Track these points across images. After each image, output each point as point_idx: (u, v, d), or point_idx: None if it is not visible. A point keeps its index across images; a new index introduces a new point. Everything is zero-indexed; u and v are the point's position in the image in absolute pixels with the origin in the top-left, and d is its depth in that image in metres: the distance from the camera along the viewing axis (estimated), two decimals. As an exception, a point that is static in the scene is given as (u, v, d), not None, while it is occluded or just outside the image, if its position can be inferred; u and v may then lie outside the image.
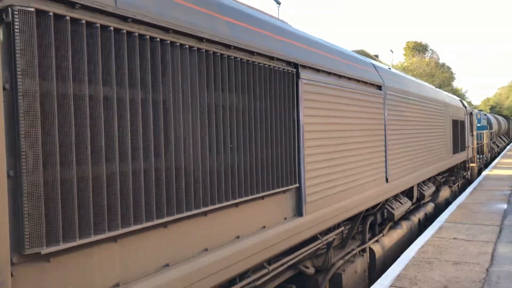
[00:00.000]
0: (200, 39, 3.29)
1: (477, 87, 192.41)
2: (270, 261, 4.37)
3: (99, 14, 2.53)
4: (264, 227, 4.11)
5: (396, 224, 8.78)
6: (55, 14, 2.27)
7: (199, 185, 3.22)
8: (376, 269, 7.33)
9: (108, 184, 2.53)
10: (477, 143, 22.47)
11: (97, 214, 2.47)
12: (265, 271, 4.20)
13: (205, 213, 3.36)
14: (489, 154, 30.10)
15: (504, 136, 48.85)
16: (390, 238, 8.26)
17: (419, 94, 9.72)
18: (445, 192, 13.65)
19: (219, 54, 3.46)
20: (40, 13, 2.21)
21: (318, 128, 5.00)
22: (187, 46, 3.14)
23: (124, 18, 2.67)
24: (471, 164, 19.30)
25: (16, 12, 2.09)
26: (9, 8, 2.08)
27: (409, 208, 9.16)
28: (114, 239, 2.61)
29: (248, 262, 3.77)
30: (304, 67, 4.79)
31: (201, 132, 3.26)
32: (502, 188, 14.92)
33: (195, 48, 3.22)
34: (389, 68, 9.03)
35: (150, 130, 2.80)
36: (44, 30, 2.23)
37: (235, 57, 3.65)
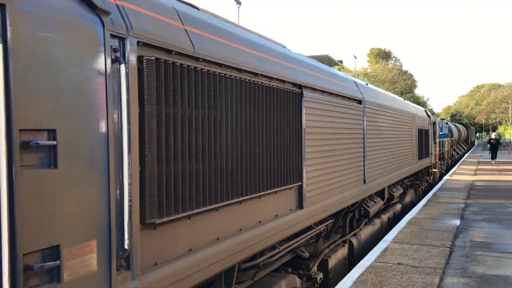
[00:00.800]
0: (239, 70, 4.35)
1: (439, 95, 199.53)
2: (278, 244, 5.44)
3: (184, 57, 3.56)
4: (276, 215, 5.18)
5: (370, 220, 10.01)
6: (161, 59, 3.29)
7: (237, 181, 4.27)
8: (354, 257, 8.51)
9: (190, 176, 3.57)
10: (439, 150, 24.19)
11: (183, 199, 3.49)
12: (276, 250, 5.28)
13: (240, 202, 4.40)
14: (450, 160, 32.09)
15: (463, 143, 51.47)
16: (365, 232, 9.47)
17: (391, 106, 11.01)
18: (410, 195, 15.06)
19: (251, 80, 4.52)
20: (155, 60, 3.23)
21: (315, 137, 6.11)
22: (232, 76, 4.19)
23: (197, 59, 3.70)
24: (434, 170, 20.92)
25: (145, 61, 3.11)
26: (143, 58, 3.09)
27: (381, 207, 10.42)
28: (188, 217, 3.63)
29: (268, 241, 4.84)
30: (306, 87, 5.90)
31: (241, 140, 4.32)
32: (457, 200, 14.55)
33: (237, 77, 4.27)
34: (367, 84, 10.26)
35: (212, 138, 3.85)
36: (157, 70, 3.25)
37: (260, 83, 4.72)
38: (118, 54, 2.87)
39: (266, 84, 4.83)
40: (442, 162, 26.44)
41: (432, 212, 12.41)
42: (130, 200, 2.89)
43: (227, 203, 4.10)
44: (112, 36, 2.84)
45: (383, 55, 64.75)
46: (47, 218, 2.38)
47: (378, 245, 8.86)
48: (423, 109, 18.49)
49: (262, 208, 4.86)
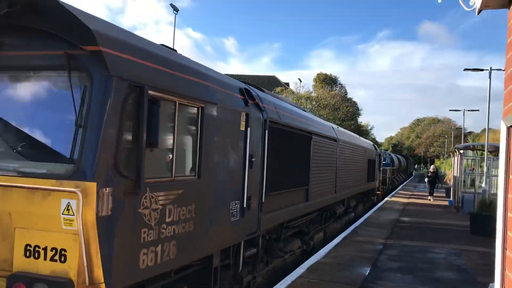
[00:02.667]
0: (329, 138, 8.87)
1: (382, 126, 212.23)
2: (295, 219, 9.88)
3: (285, 127, 8.04)
4: (297, 202, 9.65)
5: (336, 219, 14.66)
6: (277, 128, 7.74)
7: (288, 181, 8.73)
8: (327, 239, 13.07)
9: (279, 177, 8.01)
10: (382, 177, 29.52)
11: (277, 186, 7.90)
12: (306, 218, 9.78)
13: (288, 192, 8.86)
14: (390, 186, 37.71)
15: (403, 173, 57.94)
16: (333, 226, 14.11)
17: (352, 142, 15.83)
18: (360, 207, 19.95)
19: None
20: (274, 128, 7.67)
21: (315, 161, 10.67)
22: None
23: (285, 126, 8.18)
24: (378, 192, 26.09)
25: (271, 129, 7.55)
26: (270, 128, 7.54)
27: (342, 211, 15.11)
28: (279, 194, 8.05)
29: (294, 214, 9.32)
30: (313, 133, 10.47)
31: (293, 165, 8.86)
32: (376, 239, 13.09)
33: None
34: (337, 127, 15.05)
35: (284, 165, 8.33)
36: (274, 133, 7.68)
37: (300, 133, 9.25)
38: (264, 125, 7.32)
39: (302, 134, 9.38)
40: (384, 187, 31.82)
41: (343, 254, 10.76)
42: (264, 185, 7.32)
43: (286, 191, 8.56)
44: (254, 117, 7.29)
45: (329, 81, 64.34)
46: (252, 185, 6.78)
47: None
48: (372, 143, 23.63)
49: (294, 197, 9.35)
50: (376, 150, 23.61)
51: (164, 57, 4.82)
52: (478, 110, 46.93)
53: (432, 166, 41.42)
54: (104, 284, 3.84)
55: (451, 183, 29.09)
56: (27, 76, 4.23)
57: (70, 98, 3.93)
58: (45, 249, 3.87)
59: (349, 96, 65.09)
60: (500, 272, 3.00)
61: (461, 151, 23.14)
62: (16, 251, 3.94)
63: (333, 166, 12.74)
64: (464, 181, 22.72)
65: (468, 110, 43.83)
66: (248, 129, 6.63)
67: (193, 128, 5.32)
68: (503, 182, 2.96)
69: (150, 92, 4.31)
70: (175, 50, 5.57)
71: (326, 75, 65.85)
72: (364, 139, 22.11)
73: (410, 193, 33.40)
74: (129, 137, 4.14)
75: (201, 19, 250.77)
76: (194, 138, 5.31)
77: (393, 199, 27.97)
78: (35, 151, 4.18)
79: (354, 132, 33.31)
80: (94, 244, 3.78)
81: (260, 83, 64.30)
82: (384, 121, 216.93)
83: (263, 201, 7.25)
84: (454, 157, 26.90)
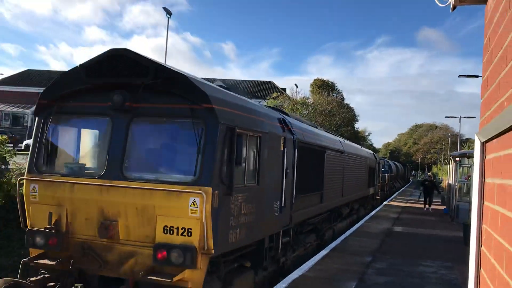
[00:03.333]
0: (338, 151, 11.34)
1: (380, 132, 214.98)
2: (313, 217, 12.31)
3: (307, 144, 10.50)
4: (315, 204, 12.08)
5: (342, 219, 17.11)
6: (303, 146, 10.19)
7: (310, 188, 11.19)
8: (336, 236, 15.51)
9: (303, 185, 10.46)
10: (381, 183, 32.01)
11: (304, 190, 10.35)
12: (320, 217, 12.23)
13: (311, 195, 11.31)
14: (388, 192, 40.20)
15: (400, 179, 60.48)
16: (340, 225, 16.56)
17: (356, 153, 18.32)
18: (362, 210, 22.43)
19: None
20: (302, 146, 10.12)
21: (328, 170, 13.12)
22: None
23: (310, 144, 10.64)
24: (377, 197, 28.58)
25: (300, 148, 10.01)
26: (296, 140, 10.01)
27: (347, 213, 17.57)
28: (305, 196, 10.50)
29: (314, 212, 11.77)
30: (326, 148, 12.92)
31: (308, 174, 11.34)
32: (365, 250, 12.70)
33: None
34: (344, 141, 17.54)
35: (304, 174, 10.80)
36: (302, 150, 10.13)
37: (319, 150, 11.72)
38: (294, 145, 9.78)
39: (318, 149, 11.85)
40: (383, 192, 34.30)
41: (330, 268, 10.33)
42: (294, 189, 9.78)
43: (307, 194, 11.00)
44: (288, 139, 9.76)
45: (327, 87, 63.53)
46: (287, 189, 9.25)
47: None
48: (372, 152, 26.15)
49: (312, 199, 11.80)
50: (376, 158, 26.13)
51: (241, 105, 7.33)
52: (474, 117, 45.22)
53: (429, 173, 41.32)
54: (213, 250, 6.27)
55: (447, 191, 28.07)
56: (162, 120, 6.71)
57: (192, 136, 6.40)
58: (177, 228, 6.30)
59: (346, 102, 64.24)
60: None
61: (457, 159, 22.82)
62: (157, 230, 6.38)
63: (341, 174, 15.21)
64: (460, 189, 21.95)
65: (464, 117, 44.92)
66: (285, 148, 9.09)
67: (254, 150, 7.78)
68: (476, 210, 2.59)
69: (239, 130, 6.79)
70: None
71: (323, 80, 65.52)
72: (366, 149, 24.66)
73: (405, 201, 33.54)
74: (226, 158, 6.60)
75: (200, 23, 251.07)
76: (255, 157, 7.77)
77: (391, 203, 30.45)
78: (169, 167, 6.67)
79: (351, 138, 34.94)
80: (209, 225, 6.21)
81: (257, 89, 66.04)
82: (382, 127, 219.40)
83: (293, 201, 9.69)
84: (449, 164, 26.77)
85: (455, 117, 45.15)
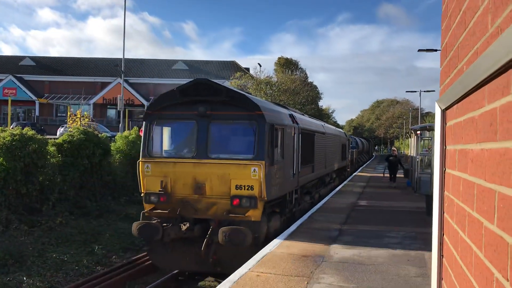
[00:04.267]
0: (322, 133, 15.77)
1: (344, 109, 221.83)
2: (311, 181, 16.81)
3: (307, 130, 14.91)
4: (309, 173, 16.60)
5: (325, 185, 21.76)
6: (305, 132, 14.60)
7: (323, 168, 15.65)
8: (321, 196, 20.12)
9: (306, 159, 14.95)
10: (350, 158, 37.01)
11: (309, 162, 14.80)
12: (311, 183, 16.78)
13: (312, 167, 15.81)
14: (356, 165, 45.43)
15: (365, 154, 66.15)
16: (323, 190, 21.21)
17: (333, 133, 22.96)
18: (338, 180, 27.26)
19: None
20: (303, 132, 14.53)
21: (316, 148, 17.60)
22: (319, 135, 15.60)
23: (313, 131, 15.07)
24: (348, 169, 33.52)
25: (302, 133, 14.41)
26: (299, 129, 14.42)
27: (328, 181, 22.25)
28: (310, 168, 14.97)
29: (308, 179, 16.31)
30: (315, 131, 17.37)
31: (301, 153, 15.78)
32: (332, 225, 12.70)
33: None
34: (324, 124, 22.09)
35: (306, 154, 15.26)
36: (303, 134, 14.55)
37: (311, 133, 16.16)
38: (298, 132, 14.19)
39: (310, 133, 16.31)
40: (352, 166, 39.38)
41: (294, 246, 10.06)
42: (299, 162, 14.22)
43: (305, 166, 15.47)
44: (296, 128, 14.16)
45: (290, 66, 63.47)
46: (296, 162, 13.71)
47: None
48: (343, 131, 30.93)
49: (307, 170, 16.29)
50: (346, 136, 30.98)
51: (275, 110, 11.77)
52: (434, 91, 46.36)
53: (394, 147, 42.31)
54: (266, 197, 10.63)
55: (409, 164, 27.81)
56: (231, 122, 10.98)
57: (250, 131, 10.71)
58: (244, 186, 10.61)
59: (309, 80, 63.60)
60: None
61: (418, 132, 22.67)
62: (232, 188, 10.67)
63: (324, 150, 19.78)
64: (421, 162, 21.61)
65: (424, 91, 47.39)
66: (295, 135, 13.48)
67: (281, 137, 12.14)
68: (438, 178, 2.54)
69: (275, 126, 11.14)
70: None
71: (287, 59, 65.89)
72: (339, 129, 29.42)
73: (370, 175, 34.29)
74: (269, 144, 10.93)
75: (158, 2, 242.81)
76: (280, 141, 12.13)
77: (359, 174, 35.51)
78: (237, 151, 10.99)
79: (315, 116, 37.24)
80: (263, 183, 10.55)
81: (220, 69, 66.19)
82: (345, 104, 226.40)
83: (299, 171, 14.13)
84: (411, 138, 27.11)
85: (415, 91, 46.95)
